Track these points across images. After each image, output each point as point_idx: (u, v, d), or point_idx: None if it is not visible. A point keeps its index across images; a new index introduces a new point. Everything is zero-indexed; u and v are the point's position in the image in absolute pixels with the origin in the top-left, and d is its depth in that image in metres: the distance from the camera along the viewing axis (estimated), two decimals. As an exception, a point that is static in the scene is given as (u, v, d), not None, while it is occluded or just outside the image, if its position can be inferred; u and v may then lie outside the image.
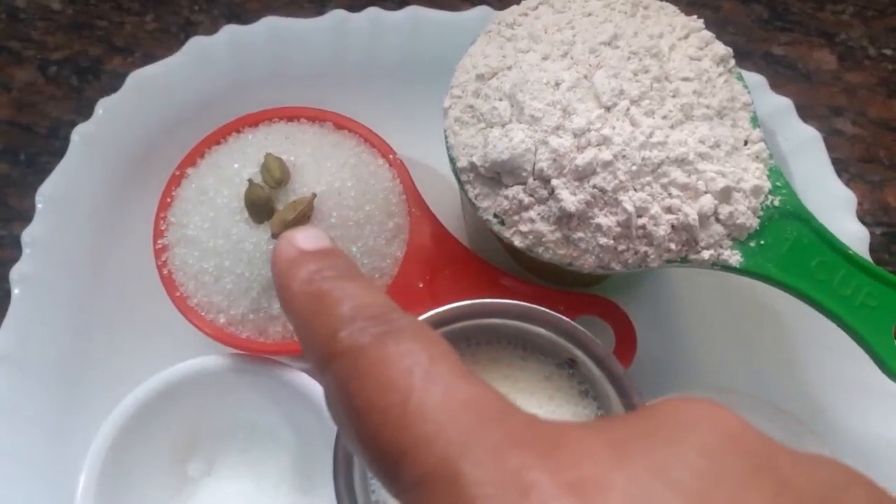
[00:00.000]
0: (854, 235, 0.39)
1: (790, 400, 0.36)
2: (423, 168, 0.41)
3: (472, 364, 0.31)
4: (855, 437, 0.37)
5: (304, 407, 0.34)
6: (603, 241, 0.30)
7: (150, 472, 0.35)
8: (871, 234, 0.40)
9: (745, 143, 0.33)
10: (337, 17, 0.43)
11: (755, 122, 0.33)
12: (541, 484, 0.14)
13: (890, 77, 0.48)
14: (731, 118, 0.32)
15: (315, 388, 0.34)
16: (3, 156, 0.45)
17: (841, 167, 0.44)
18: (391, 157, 0.39)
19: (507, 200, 0.31)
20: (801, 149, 0.41)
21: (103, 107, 0.41)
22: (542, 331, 0.30)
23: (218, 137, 0.39)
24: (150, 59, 0.44)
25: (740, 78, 0.34)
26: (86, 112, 0.42)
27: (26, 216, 0.40)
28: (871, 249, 0.39)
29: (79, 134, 0.41)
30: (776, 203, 0.32)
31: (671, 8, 0.35)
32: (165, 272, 0.37)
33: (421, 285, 0.37)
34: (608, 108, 0.30)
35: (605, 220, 0.30)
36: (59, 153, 0.41)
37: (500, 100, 0.31)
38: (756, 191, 0.32)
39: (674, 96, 0.31)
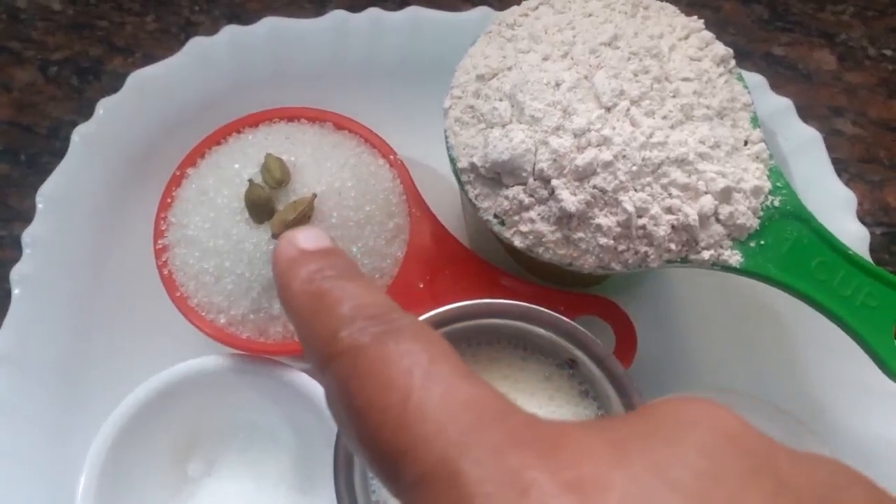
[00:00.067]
0: (854, 235, 0.39)
1: (790, 400, 0.36)
2: (423, 168, 0.41)
3: (472, 364, 0.31)
4: (855, 437, 0.37)
5: (304, 407, 0.34)
6: (603, 241, 0.30)
7: (150, 473, 0.35)
8: (872, 234, 0.40)
9: (746, 143, 0.33)
10: (337, 17, 0.43)
11: (755, 122, 0.33)
12: (540, 483, 0.14)
13: (890, 77, 0.48)
14: (731, 118, 0.33)
15: (315, 389, 0.34)
16: (4, 156, 0.45)
17: (841, 167, 0.44)
18: (391, 157, 0.39)
19: (508, 201, 0.31)
20: (802, 149, 0.41)
21: (104, 107, 0.41)
22: (542, 331, 0.30)
23: (218, 138, 0.39)
24: (150, 59, 0.44)
25: (740, 78, 0.34)
26: (86, 112, 0.42)
27: (27, 216, 0.40)
28: (872, 249, 0.40)
29: (79, 134, 0.41)
30: (776, 203, 0.32)
31: (671, 8, 0.35)
32: (166, 272, 0.37)
33: (421, 285, 0.37)
34: (608, 109, 0.30)
35: (605, 220, 0.30)
36: (60, 153, 0.41)
37: (501, 100, 0.31)
38: (756, 191, 0.32)
39: (674, 97, 0.31)
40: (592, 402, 0.31)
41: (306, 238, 0.21)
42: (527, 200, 0.31)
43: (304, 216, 0.34)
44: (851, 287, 0.31)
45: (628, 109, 0.30)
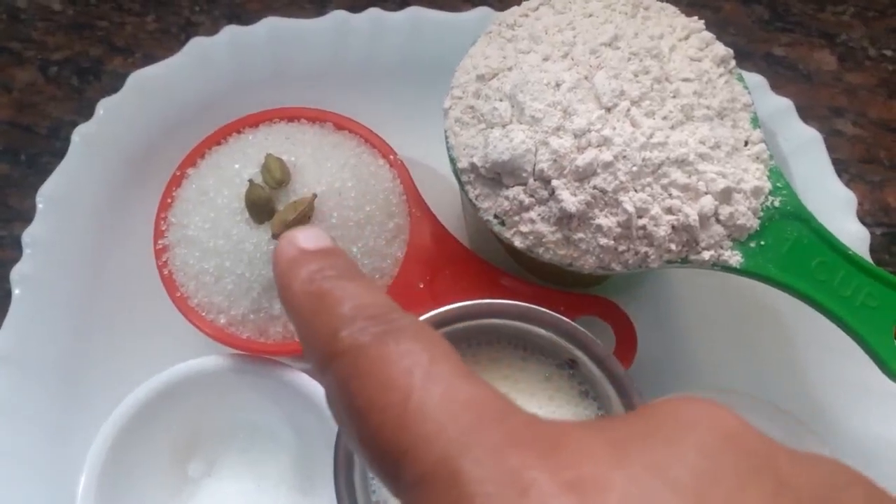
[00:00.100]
0: (854, 236, 0.39)
1: (790, 400, 0.36)
2: (423, 168, 0.41)
3: (472, 364, 0.31)
4: (855, 437, 0.37)
5: (304, 407, 0.34)
6: (603, 241, 0.30)
7: (150, 473, 0.36)
8: (872, 234, 0.40)
9: (746, 143, 0.33)
10: (337, 17, 0.43)
11: (755, 122, 0.33)
12: (540, 483, 0.14)
13: (890, 78, 0.48)
14: (731, 119, 0.33)
15: (315, 389, 0.34)
16: (4, 156, 0.45)
17: (841, 168, 0.44)
18: (391, 157, 0.39)
19: (508, 201, 0.31)
20: (802, 149, 0.41)
21: (104, 107, 0.41)
22: (542, 331, 0.30)
23: (218, 138, 0.39)
24: (150, 59, 0.44)
25: (741, 79, 0.34)
26: (86, 112, 0.42)
27: (27, 216, 0.40)
28: (872, 250, 0.40)
29: (79, 134, 0.41)
30: (776, 204, 0.32)
31: (672, 9, 0.35)
32: (166, 272, 0.37)
33: (421, 286, 0.37)
34: (609, 109, 0.30)
35: (605, 220, 0.30)
36: (60, 154, 0.41)
37: (501, 100, 0.31)
38: (756, 191, 0.32)
39: (674, 97, 0.31)
40: (592, 403, 0.31)
41: (307, 238, 0.21)
42: (527, 201, 0.31)
43: (305, 216, 0.34)
44: (851, 287, 0.31)
45: (628, 110, 0.30)
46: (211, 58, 0.43)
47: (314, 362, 0.18)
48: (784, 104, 0.42)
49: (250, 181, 0.35)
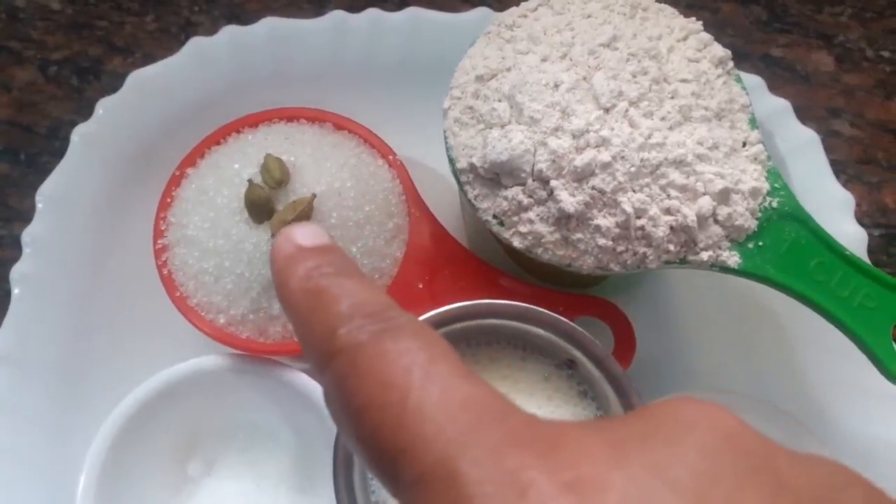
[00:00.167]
0: (852, 237, 0.39)
1: (789, 401, 0.36)
2: (422, 168, 0.41)
3: (471, 364, 0.31)
4: (853, 437, 0.37)
5: (304, 407, 0.34)
6: (602, 242, 0.31)
7: (149, 472, 0.36)
8: (869, 235, 0.40)
9: (744, 144, 0.33)
10: (336, 17, 0.43)
11: (753, 123, 0.33)
12: (539, 483, 0.14)
13: (888, 79, 0.48)
14: (729, 120, 0.33)
15: (315, 389, 0.34)
16: (4, 156, 0.45)
17: (839, 168, 0.44)
18: (391, 157, 0.39)
19: (507, 201, 0.31)
20: (800, 150, 0.41)
21: (103, 107, 0.41)
22: (541, 331, 0.30)
23: (218, 138, 0.39)
24: (150, 59, 0.44)
25: (739, 79, 0.34)
26: (86, 112, 0.42)
27: (26, 216, 0.40)
28: (869, 251, 0.40)
29: (79, 134, 0.41)
30: (774, 204, 0.32)
31: (670, 10, 0.35)
32: (165, 272, 0.37)
33: (420, 286, 0.37)
34: (607, 110, 0.30)
35: (603, 221, 0.30)
36: (59, 153, 0.41)
37: (500, 101, 0.31)
38: (754, 192, 0.32)
39: (672, 98, 0.31)
40: (591, 403, 0.31)
41: (304, 234, 0.20)
42: (525, 201, 0.31)
43: (304, 216, 0.35)
44: (849, 288, 0.31)
45: (627, 110, 0.30)
46: (210, 58, 0.43)
47: (312, 360, 0.18)
48: (782, 105, 0.42)
49: (250, 181, 0.35)
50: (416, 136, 0.39)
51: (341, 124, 0.39)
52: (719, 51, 0.33)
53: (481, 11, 0.44)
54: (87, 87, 0.47)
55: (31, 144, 0.46)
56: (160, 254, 0.37)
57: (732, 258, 0.32)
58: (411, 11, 0.44)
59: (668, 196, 0.30)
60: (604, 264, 0.31)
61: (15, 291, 0.38)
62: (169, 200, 0.38)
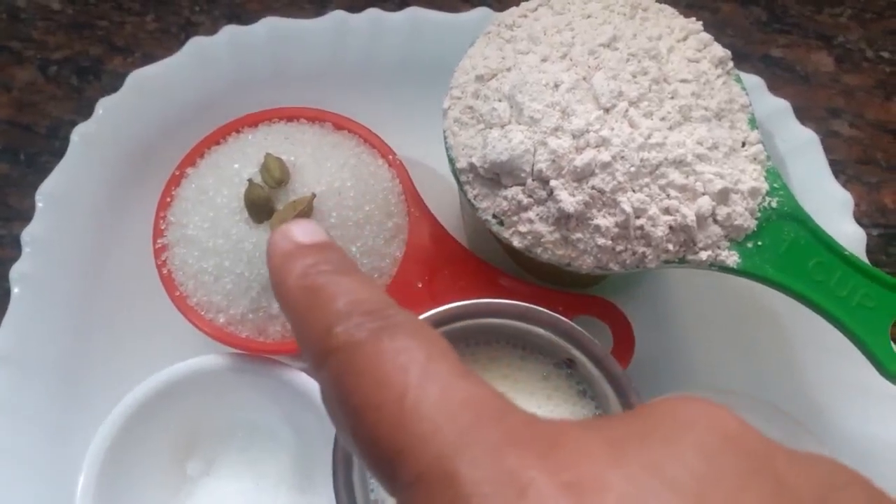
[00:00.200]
0: (851, 237, 0.39)
1: (788, 401, 0.36)
2: (422, 168, 0.41)
3: (471, 363, 0.31)
4: (852, 437, 0.37)
5: (303, 407, 0.34)
6: (601, 241, 0.31)
7: (149, 472, 0.36)
8: (868, 235, 0.40)
9: (743, 144, 0.33)
10: (337, 17, 0.43)
11: (753, 123, 0.33)
12: (538, 483, 0.14)
13: (887, 79, 0.48)
14: (729, 120, 0.33)
15: (314, 388, 0.34)
16: (3, 155, 0.45)
17: (838, 169, 0.44)
18: (391, 157, 0.39)
19: (506, 201, 0.31)
20: (799, 150, 0.41)
21: (103, 107, 0.41)
22: (540, 331, 0.30)
23: (218, 137, 0.39)
24: (150, 59, 0.44)
25: (738, 80, 0.34)
26: (86, 112, 0.42)
27: (26, 215, 0.40)
28: (868, 251, 0.40)
29: (79, 134, 0.41)
30: (774, 204, 0.32)
31: (670, 10, 0.35)
32: (165, 272, 0.37)
33: (420, 285, 0.37)
34: (607, 110, 0.30)
35: (603, 220, 0.30)
36: (59, 153, 0.41)
37: (500, 101, 0.32)
38: (754, 192, 0.32)
39: (672, 98, 0.31)
40: (590, 402, 0.31)
41: (302, 232, 0.20)
42: (525, 201, 0.31)
43: (304, 216, 0.35)
44: (848, 288, 0.31)
45: (627, 110, 0.30)
46: (210, 57, 0.43)
47: (309, 359, 0.18)
48: (781, 105, 0.42)
49: (249, 181, 0.35)
50: (415, 136, 0.39)
51: (341, 124, 0.39)
52: (719, 51, 0.34)
53: (481, 11, 0.44)
54: (88, 87, 0.47)
55: (31, 144, 0.46)
56: (160, 253, 0.37)
57: (731, 258, 0.32)
58: (411, 11, 0.44)
59: (668, 196, 0.31)
60: (603, 264, 0.31)
61: (15, 291, 0.38)
62: (169, 200, 0.38)
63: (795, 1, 0.50)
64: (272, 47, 0.43)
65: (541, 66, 0.32)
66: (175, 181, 0.38)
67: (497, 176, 0.31)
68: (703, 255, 0.32)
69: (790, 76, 0.48)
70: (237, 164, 0.36)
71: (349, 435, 0.17)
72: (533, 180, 0.31)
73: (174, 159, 0.39)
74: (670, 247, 0.31)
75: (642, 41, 0.32)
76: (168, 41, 0.47)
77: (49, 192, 0.40)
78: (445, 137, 0.33)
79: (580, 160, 0.30)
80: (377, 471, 0.16)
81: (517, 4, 0.35)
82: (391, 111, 0.42)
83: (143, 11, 0.48)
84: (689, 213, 0.30)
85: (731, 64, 0.34)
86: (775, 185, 0.32)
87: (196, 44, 0.43)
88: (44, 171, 0.40)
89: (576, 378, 0.32)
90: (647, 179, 0.30)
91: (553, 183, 0.30)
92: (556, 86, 0.31)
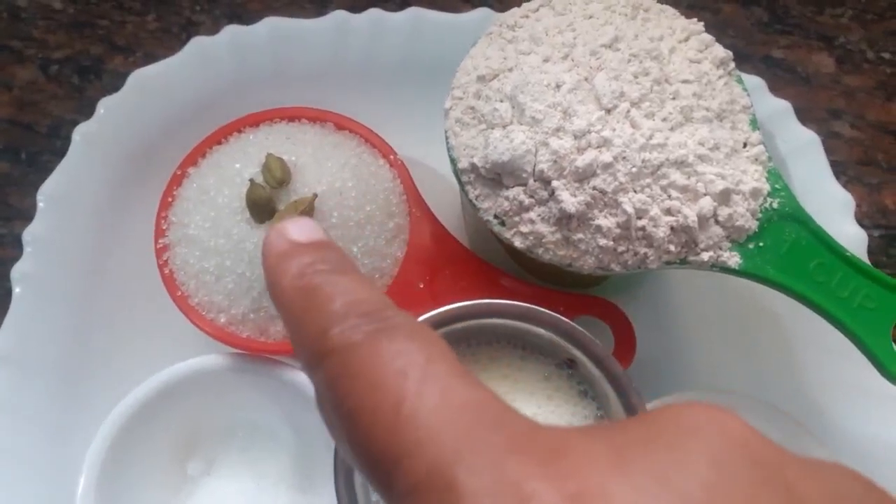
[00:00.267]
0: (852, 238, 0.39)
1: (788, 401, 0.36)
2: (423, 168, 0.41)
3: (472, 363, 0.31)
4: (853, 438, 0.37)
5: (304, 406, 0.34)
6: (602, 242, 0.31)
7: (149, 472, 0.36)
8: (869, 236, 0.40)
9: (745, 145, 0.33)
10: (338, 17, 0.43)
11: (754, 124, 0.33)
12: (541, 495, 0.13)
13: (888, 80, 0.48)
14: (730, 121, 0.33)
15: (315, 388, 0.34)
16: (4, 154, 0.45)
17: (839, 170, 0.44)
18: (392, 157, 0.39)
19: (508, 201, 0.31)
20: (800, 151, 0.41)
21: (104, 106, 0.41)
22: (541, 331, 0.30)
23: (219, 137, 0.39)
24: (151, 58, 0.44)
25: (740, 81, 0.34)
26: (87, 111, 0.42)
27: (27, 215, 0.40)
28: (869, 252, 0.40)
29: (80, 133, 0.41)
30: (775, 205, 0.32)
31: (671, 11, 0.35)
32: (166, 271, 0.37)
33: (421, 285, 0.37)
34: (608, 110, 0.30)
35: (604, 221, 0.30)
36: (61, 152, 0.41)
37: (501, 101, 0.32)
38: (755, 193, 0.32)
39: (674, 98, 0.31)
40: (591, 402, 0.31)
41: (298, 230, 0.20)
42: (527, 201, 0.31)
43: (305, 216, 0.35)
44: (849, 289, 0.31)
45: (628, 111, 0.30)
46: (212, 57, 0.43)
47: (303, 362, 0.18)
48: (783, 106, 0.42)
49: (251, 180, 0.35)
50: (417, 136, 0.39)
51: (342, 124, 0.39)
52: (720, 52, 0.34)
53: (482, 12, 0.44)
54: (89, 87, 0.47)
55: (32, 143, 0.46)
56: (161, 253, 0.37)
57: (733, 259, 0.32)
58: (413, 11, 0.44)
59: (669, 196, 0.31)
60: (604, 264, 0.31)
61: (16, 290, 0.38)
62: (170, 200, 0.38)
63: (797, 2, 0.50)
64: (273, 47, 0.43)
65: (542, 66, 0.32)
66: (176, 181, 0.38)
67: (498, 176, 0.31)
68: (705, 255, 0.32)
69: (791, 77, 0.48)
70: (238, 164, 0.36)
71: (344, 441, 0.16)
72: (534, 181, 0.31)
73: (175, 159, 0.39)
74: (672, 247, 0.31)
75: (644, 42, 0.32)
76: (169, 41, 0.47)
77: (50, 192, 0.40)
78: (447, 137, 0.33)
79: (582, 161, 0.30)
80: (373, 478, 0.16)
81: (519, 5, 0.35)
82: (392, 111, 0.42)
83: (144, 11, 0.48)
84: (690, 213, 0.30)
85: (732, 65, 0.34)
86: (777, 185, 0.32)
87: (197, 43, 0.43)
88: (45, 171, 0.40)
89: (577, 378, 0.32)
90: (648, 180, 0.30)
91: (555, 183, 0.30)
92: (558, 86, 0.31)
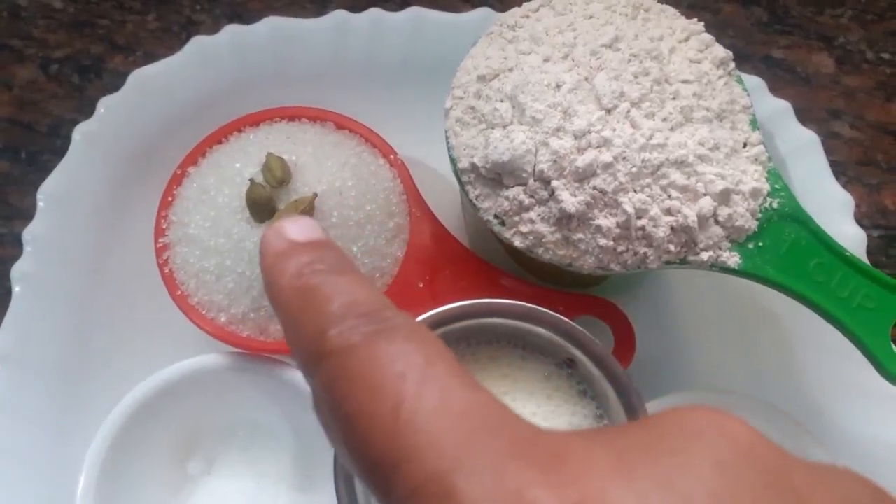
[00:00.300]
0: (852, 238, 0.39)
1: (788, 401, 0.36)
2: (423, 168, 0.41)
3: (471, 363, 0.31)
4: (852, 438, 0.37)
5: (304, 406, 0.34)
6: (602, 242, 0.31)
7: (150, 471, 0.36)
8: (869, 236, 0.40)
9: (745, 145, 0.33)
10: (338, 17, 0.43)
11: (754, 124, 0.33)
12: (542, 502, 0.13)
13: (888, 81, 0.48)
14: (730, 121, 0.33)
15: (315, 388, 0.34)
16: (4, 154, 0.45)
17: (839, 170, 0.44)
18: (392, 157, 0.39)
19: (508, 201, 0.31)
20: (800, 151, 0.41)
21: (105, 105, 0.41)
22: (541, 331, 0.30)
23: (219, 136, 0.39)
24: (151, 58, 0.44)
25: (740, 81, 0.34)
26: (87, 111, 0.42)
27: (27, 214, 0.40)
28: (869, 252, 0.40)
29: (80, 132, 0.41)
30: (775, 205, 0.32)
31: (671, 11, 0.35)
32: (166, 271, 0.37)
33: (421, 285, 0.37)
34: (609, 110, 0.30)
35: (604, 221, 0.30)
36: (61, 152, 0.41)
37: (502, 101, 0.32)
38: (755, 193, 0.32)
39: (674, 98, 0.31)
40: (591, 402, 0.31)
41: (296, 229, 0.19)
42: (527, 201, 0.31)
43: (305, 215, 0.35)
44: (849, 289, 0.31)
45: (628, 111, 0.30)
46: (212, 57, 0.43)
47: (300, 363, 0.17)
48: (782, 106, 0.42)
49: (251, 180, 0.35)
50: (417, 136, 0.40)
51: (343, 123, 0.39)
52: (720, 52, 0.34)
53: (483, 12, 0.44)
54: (89, 86, 0.47)
55: (32, 143, 0.46)
56: (161, 252, 0.37)
57: (732, 258, 0.32)
58: (413, 11, 0.44)
59: (669, 196, 0.31)
60: (604, 264, 0.31)
61: (15, 290, 0.38)
62: (170, 199, 0.38)
63: (797, 2, 0.50)
64: (273, 47, 0.43)
65: (543, 66, 0.32)
66: (177, 180, 0.38)
67: (499, 176, 0.31)
68: (705, 255, 0.32)
69: (791, 77, 0.48)
70: (239, 164, 0.36)
71: (341, 444, 0.16)
72: (534, 180, 0.31)
73: (176, 158, 0.39)
74: (671, 247, 0.31)
75: (644, 42, 0.32)
76: (169, 40, 0.47)
77: (50, 191, 0.40)
78: (447, 137, 0.34)
79: (582, 160, 0.30)
80: (370, 483, 0.15)
81: (519, 5, 0.35)
82: (392, 111, 0.42)
83: (144, 10, 0.48)
84: (690, 213, 0.30)
85: (732, 65, 0.34)
86: (776, 185, 0.32)
87: (197, 43, 0.43)
88: (45, 170, 0.40)
89: (576, 378, 0.32)
90: (648, 180, 0.30)
91: (555, 183, 0.30)
92: (558, 86, 0.31)
